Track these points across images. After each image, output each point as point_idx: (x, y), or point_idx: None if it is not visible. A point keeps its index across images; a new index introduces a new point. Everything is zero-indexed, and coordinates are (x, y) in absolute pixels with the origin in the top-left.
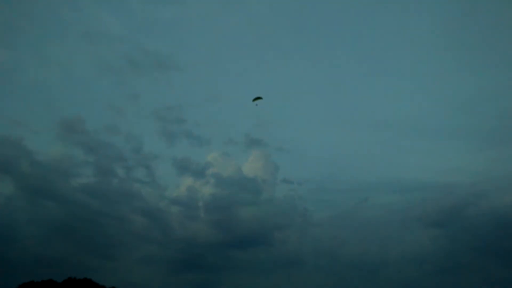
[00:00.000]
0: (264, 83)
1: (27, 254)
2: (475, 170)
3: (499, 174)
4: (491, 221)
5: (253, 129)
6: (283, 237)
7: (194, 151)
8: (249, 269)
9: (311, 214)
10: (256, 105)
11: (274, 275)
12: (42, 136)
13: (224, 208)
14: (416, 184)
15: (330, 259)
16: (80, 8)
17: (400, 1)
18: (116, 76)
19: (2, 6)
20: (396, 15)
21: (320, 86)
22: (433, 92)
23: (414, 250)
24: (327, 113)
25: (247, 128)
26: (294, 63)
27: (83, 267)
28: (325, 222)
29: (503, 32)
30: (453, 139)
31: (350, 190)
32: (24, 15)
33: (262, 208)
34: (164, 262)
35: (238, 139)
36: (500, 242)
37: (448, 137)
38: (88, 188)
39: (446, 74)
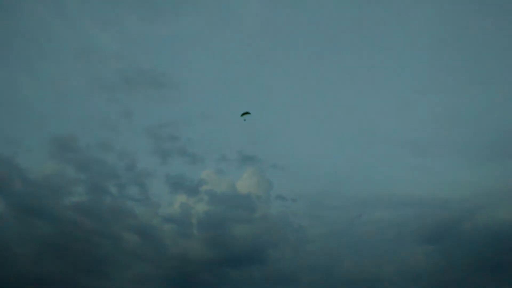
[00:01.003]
0: (258, 99)
1: (18, 273)
2: (469, 185)
3: (494, 189)
4: (486, 237)
5: (246, 146)
6: (278, 254)
7: (187, 168)
8: (243, 287)
9: (305, 231)
10: (245, 120)
11: None
12: (35, 153)
13: (218, 226)
14: (410, 199)
15: (325, 276)
16: (74, 26)
17: (394, 18)
18: (110, 94)
19: None
20: (389, 30)
21: (314, 102)
22: (426, 107)
23: (409, 266)
24: (320, 129)
25: (240, 145)
26: (287, 80)
27: (75, 287)
28: (319, 238)
29: (497, 46)
30: (447, 154)
31: (345, 206)
32: (17, 33)
33: (256, 225)
34: (158, 280)
35: (231, 156)
36: (495, 257)
37: (441, 152)
38: (80, 206)
39: (440, 89)
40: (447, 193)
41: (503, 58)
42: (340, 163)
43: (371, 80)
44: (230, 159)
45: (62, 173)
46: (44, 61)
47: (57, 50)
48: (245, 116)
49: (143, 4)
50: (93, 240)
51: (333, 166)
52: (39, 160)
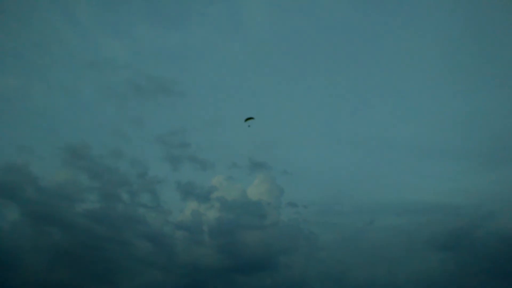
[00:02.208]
0: (267, 106)
1: (32, 280)
2: (482, 191)
3: (506, 194)
4: (501, 243)
5: (256, 152)
6: (289, 261)
7: (198, 175)
8: None
9: (316, 238)
10: (249, 126)
11: None
12: (48, 161)
13: (229, 232)
14: (421, 206)
15: (337, 283)
16: (85, 36)
17: (397, 25)
18: (121, 102)
19: (9, 35)
20: (394, 37)
21: (323, 108)
22: (437, 111)
23: (422, 273)
24: (330, 135)
25: (250, 151)
26: (295, 86)
27: None
28: (330, 245)
29: (503, 49)
30: (458, 159)
31: (355, 213)
32: (30, 43)
33: (267, 232)
34: (169, 287)
35: (242, 162)
36: (509, 263)
37: (453, 157)
38: (92, 214)
39: (451, 94)
40: (459, 199)
41: None
42: (351, 169)
43: (381, 86)
44: (240, 165)
45: (74, 180)
46: (57, 71)
47: (69, 60)
48: (249, 121)
49: (152, 14)
50: (105, 247)
51: (344, 172)
52: (52, 168)
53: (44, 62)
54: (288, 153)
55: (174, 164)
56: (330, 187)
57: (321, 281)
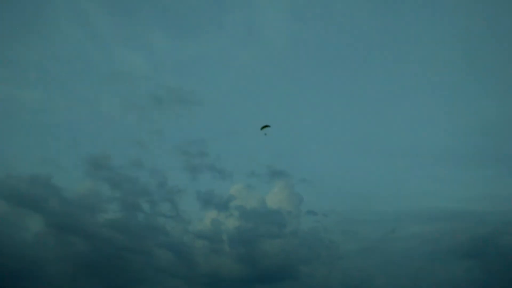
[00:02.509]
0: (285, 114)
1: None
2: (507, 197)
3: None
4: None
5: (275, 160)
6: (309, 270)
7: (217, 184)
8: None
9: (337, 247)
10: (265, 134)
11: None
12: (70, 173)
13: (249, 241)
14: (445, 213)
15: None
16: (106, 49)
17: (418, 30)
18: (141, 113)
19: (32, 50)
20: (413, 42)
21: (342, 115)
22: (461, 117)
23: (446, 282)
24: (350, 142)
25: (269, 159)
26: (314, 93)
27: None
28: (352, 254)
29: None
30: (482, 165)
31: (377, 221)
32: (53, 58)
33: (287, 240)
34: None
35: (260, 171)
36: None
37: (476, 163)
38: (114, 223)
39: (471, 98)
40: (484, 205)
41: None
42: (371, 177)
43: (401, 93)
44: (259, 174)
45: (96, 191)
46: (79, 84)
47: (91, 73)
48: (265, 129)
49: (171, 26)
50: (126, 257)
51: (365, 180)
52: (74, 179)
53: (66, 75)
54: (307, 161)
55: (193, 174)
56: (350, 195)
57: None
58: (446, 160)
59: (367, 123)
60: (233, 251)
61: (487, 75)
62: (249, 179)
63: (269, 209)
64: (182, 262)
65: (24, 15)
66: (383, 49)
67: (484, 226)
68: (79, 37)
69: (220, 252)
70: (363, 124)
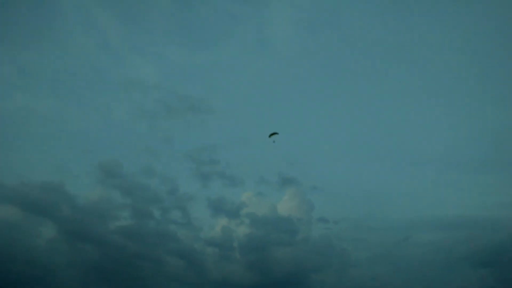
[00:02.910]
0: (295, 122)
1: None
2: None
3: None
4: None
5: (286, 168)
6: (321, 278)
7: (228, 191)
8: None
9: (349, 254)
10: (274, 141)
11: None
12: (82, 180)
13: (260, 249)
14: (460, 220)
15: None
16: (117, 58)
17: (425, 36)
18: (151, 121)
19: (45, 60)
20: (422, 49)
21: (353, 122)
22: (472, 124)
23: None
24: (361, 149)
25: (280, 167)
26: (324, 101)
27: None
28: (364, 262)
29: None
30: (496, 172)
31: (389, 229)
32: (67, 67)
33: (298, 248)
34: None
35: (271, 178)
36: None
37: (490, 170)
38: (125, 231)
39: (485, 105)
40: (499, 212)
41: None
42: (384, 184)
43: (412, 99)
44: (270, 181)
45: (108, 198)
46: (91, 93)
47: (103, 82)
48: (274, 137)
49: (182, 35)
50: (137, 264)
51: (377, 187)
52: (86, 186)
53: (79, 85)
54: (318, 168)
55: (204, 181)
56: (362, 203)
57: None
58: (459, 166)
59: (378, 130)
60: (243, 259)
61: (498, 81)
62: (260, 186)
63: (280, 217)
64: (193, 269)
65: (37, 26)
66: (391, 57)
67: (499, 233)
68: (91, 47)
69: (230, 259)
70: (374, 131)
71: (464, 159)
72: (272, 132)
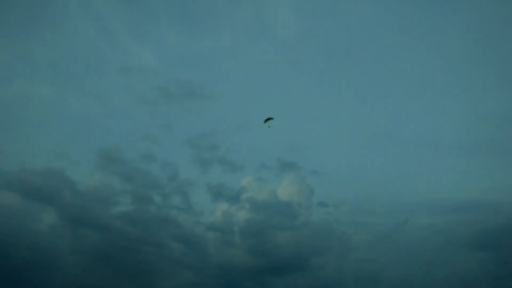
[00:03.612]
0: (295, 107)
1: (70, 281)
2: None
3: None
4: None
5: (285, 153)
6: (321, 262)
7: (227, 176)
8: None
9: (349, 238)
10: (269, 127)
11: None
12: (83, 166)
13: (260, 233)
14: (458, 204)
15: (371, 285)
16: (117, 44)
17: (430, 18)
18: (151, 107)
19: (44, 45)
20: (427, 31)
21: (353, 106)
22: (472, 107)
23: (460, 274)
24: (361, 133)
25: (279, 152)
26: (324, 86)
27: None
28: (364, 245)
29: None
30: (496, 155)
31: (389, 212)
32: (65, 53)
33: (298, 232)
34: None
35: (271, 163)
36: None
37: (490, 153)
38: (126, 216)
39: (484, 88)
40: (499, 196)
41: None
42: (383, 167)
43: (412, 82)
44: (270, 166)
45: (108, 184)
46: (90, 79)
47: (102, 68)
48: (269, 122)
49: (181, 20)
50: (139, 249)
51: (376, 171)
52: (87, 172)
53: (78, 70)
54: (318, 153)
55: (204, 167)
56: (361, 187)
57: (355, 282)
58: (459, 150)
59: (379, 114)
60: (244, 243)
61: (502, 64)
62: (260, 171)
63: (280, 201)
64: (194, 253)
65: (36, 12)
66: (394, 40)
67: (499, 216)
68: (90, 33)
69: (231, 243)
70: (375, 115)
71: (464, 142)
72: (267, 117)
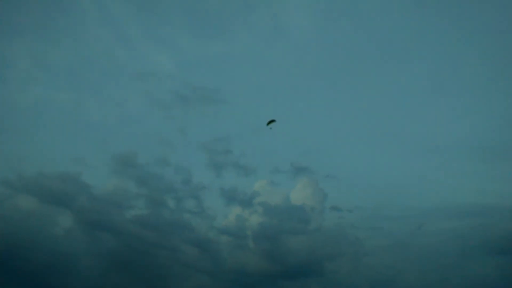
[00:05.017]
0: (309, 111)
1: (85, 284)
2: None
3: None
4: None
5: (298, 157)
6: (335, 267)
7: (241, 181)
8: None
9: (363, 243)
10: (270, 128)
11: None
12: (99, 171)
13: (273, 237)
14: (476, 208)
15: None
16: (133, 50)
17: (444, 23)
18: (166, 112)
19: (62, 52)
20: (440, 37)
21: (368, 110)
22: (489, 110)
23: (478, 279)
24: (375, 138)
25: (292, 156)
26: (340, 88)
27: None
28: (378, 250)
29: None
30: None
31: (404, 217)
32: (83, 59)
33: (311, 236)
34: None
35: (284, 168)
36: None
37: (506, 157)
38: (141, 220)
39: (502, 90)
40: None
41: None
42: (398, 172)
43: (427, 87)
44: (283, 171)
45: (123, 188)
46: (107, 84)
47: (118, 73)
48: (271, 124)
49: (196, 25)
50: (153, 252)
51: (391, 175)
52: (102, 176)
53: (95, 76)
54: (331, 157)
55: (218, 171)
56: (376, 191)
57: (370, 287)
58: (475, 154)
59: (393, 118)
60: (257, 247)
61: None
62: (273, 176)
63: (293, 206)
64: (208, 257)
65: (53, 18)
66: (407, 44)
67: None
68: (106, 39)
69: (244, 248)
70: (388, 120)
71: (480, 147)
72: (270, 119)
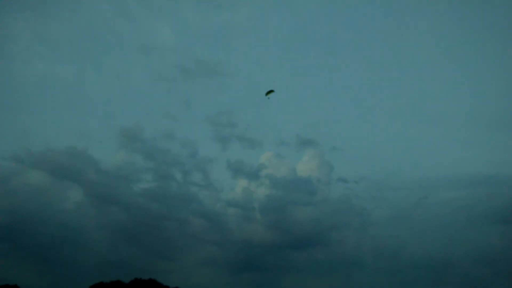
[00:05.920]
0: (315, 83)
1: (96, 256)
2: None
3: None
4: None
5: (304, 129)
6: (341, 237)
7: (247, 153)
8: (307, 269)
9: (369, 213)
10: (268, 98)
11: (333, 275)
12: (105, 145)
13: (280, 209)
14: (480, 178)
15: (391, 259)
16: (135, 22)
17: None
18: (170, 85)
19: (63, 25)
20: (442, 9)
21: (373, 83)
22: (493, 80)
23: (481, 248)
24: (380, 109)
25: (298, 128)
26: (345, 61)
27: (147, 269)
28: (384, 221)
29: None
30: None
31: (409, 188)
32: (84, 32)
33: (317, 208)
34: (224, 263)
35: (290, 140)
36: None
37: (510, 126)
38: (149, 193)
39: (507, 63)
40: None
41: None
42: (403, 143)
43: (433, 57)
44: (289, 143)
45: (130, 162)
46: (109, 58)
47: (120, 46)
48: (270, 95)
49: None
50: (161, 224)
51: (396, 146)
52: (109, 151)
53: (97, 49)
54: (337, 129)
55: (223, 144)
56: (381, 162)
57: (375, 257)
58: (479, 124)
59: (398, 90)
60: (264, 219)
61: None
62: (279, 148)
63: (300, 178)
64: (216, 229)
65: None
66: (413, 15)
67: None
68: (108, 11)
69: (251, 219)
70: (394, 91)
71: (484, 117)
72: (268, 90)
